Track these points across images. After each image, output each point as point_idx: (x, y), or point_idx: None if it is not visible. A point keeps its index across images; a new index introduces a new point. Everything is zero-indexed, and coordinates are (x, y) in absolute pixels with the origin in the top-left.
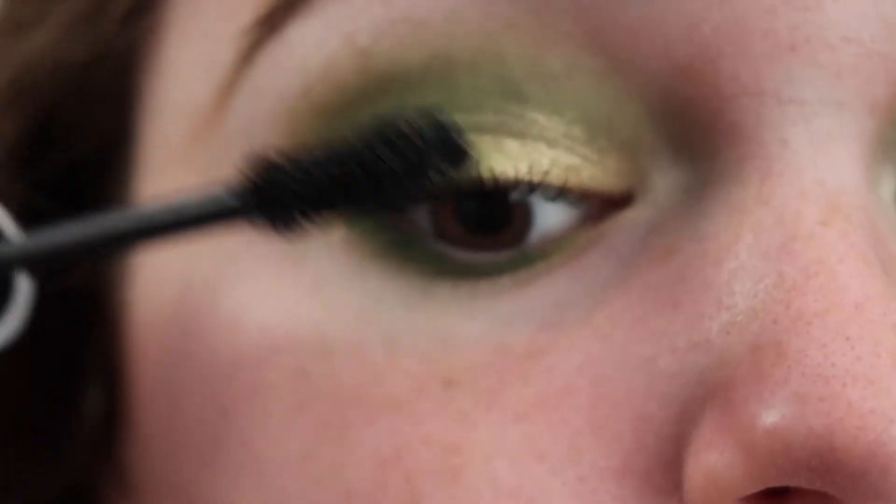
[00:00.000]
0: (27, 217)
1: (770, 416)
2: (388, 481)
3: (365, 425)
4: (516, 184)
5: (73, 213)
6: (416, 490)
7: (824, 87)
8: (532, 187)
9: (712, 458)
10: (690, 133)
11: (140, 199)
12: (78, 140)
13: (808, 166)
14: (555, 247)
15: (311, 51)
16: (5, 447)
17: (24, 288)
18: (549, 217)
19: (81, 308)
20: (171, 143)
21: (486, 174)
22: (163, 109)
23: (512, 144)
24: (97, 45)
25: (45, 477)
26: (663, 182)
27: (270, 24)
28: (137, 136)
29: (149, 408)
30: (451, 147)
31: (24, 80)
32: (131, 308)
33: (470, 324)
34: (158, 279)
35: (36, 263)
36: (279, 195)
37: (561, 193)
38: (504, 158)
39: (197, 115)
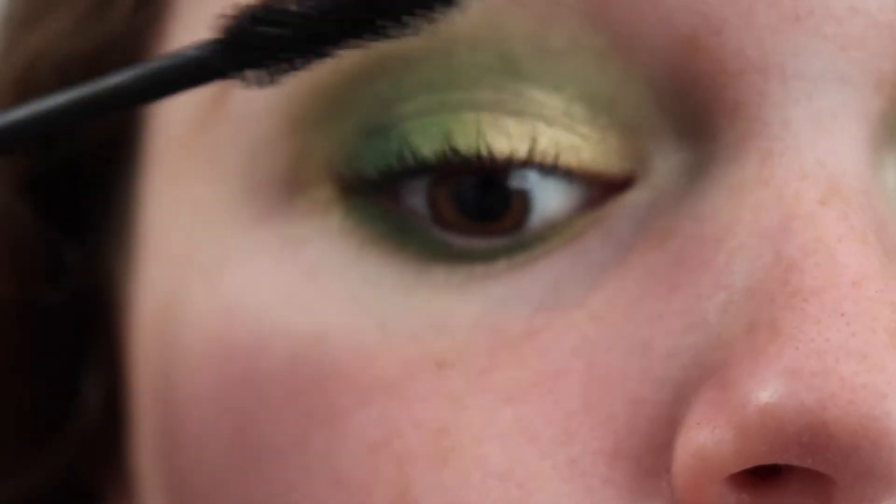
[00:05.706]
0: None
1: (763, 393)
2: (378, 467)
3: (356, 410)
4: (513, 163)
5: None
6: (407, 475)
7: (829, 60)
8: (528, 165)
9: (702, 437)
10: (693, 113)
11: (145, 191)
12: (84, 133)
13: (809, 147)
14: (553, 232)
15: None
16: (3, 439)
17: None
18: (549, 203)
19: (84, 305)
20: (175, 132)
21: (483, 152)
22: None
23: (509, 122)
24: (103, 39)
25: (42, 471)
26: (665, 164)
27: None
28: (143, 127)
29: (145, 400)
30: None
31: (31, 75)
32: (132, 301)
33: (464, 306)
34: (158, 270)
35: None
36: (261, 43)
37: (559, 172)
38: (502, 137)
39: (201, 102)
